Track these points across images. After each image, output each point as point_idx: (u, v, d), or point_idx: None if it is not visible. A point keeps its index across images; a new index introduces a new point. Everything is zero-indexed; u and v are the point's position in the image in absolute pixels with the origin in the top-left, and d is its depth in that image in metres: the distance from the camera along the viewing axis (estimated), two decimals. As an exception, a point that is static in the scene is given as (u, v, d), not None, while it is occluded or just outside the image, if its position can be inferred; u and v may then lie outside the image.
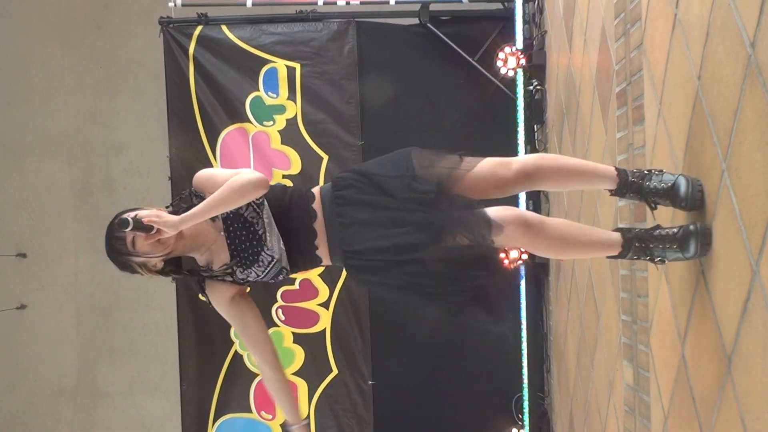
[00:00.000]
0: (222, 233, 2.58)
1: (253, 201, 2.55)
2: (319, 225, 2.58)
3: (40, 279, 7.34)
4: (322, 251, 2.61)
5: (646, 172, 2.45)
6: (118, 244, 2.51)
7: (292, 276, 2.88)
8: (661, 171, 2.43)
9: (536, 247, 2.57)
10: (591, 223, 3.90)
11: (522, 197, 5.35)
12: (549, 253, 2.63)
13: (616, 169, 2.51)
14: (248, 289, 2.75)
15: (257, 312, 2.71)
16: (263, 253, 2.55)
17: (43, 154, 7.30)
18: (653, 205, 2.42)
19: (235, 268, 2.58)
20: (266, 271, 2.58)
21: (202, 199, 2.57)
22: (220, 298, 2.65)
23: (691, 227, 2.29)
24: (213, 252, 2.62)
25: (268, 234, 2.55)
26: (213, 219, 2.57)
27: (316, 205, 2.59)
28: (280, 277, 2.65)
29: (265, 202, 2.57)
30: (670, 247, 2.34)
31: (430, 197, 2.46)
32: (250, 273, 2.59)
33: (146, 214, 2.45)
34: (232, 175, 2.52)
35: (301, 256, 2.62)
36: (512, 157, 2.61)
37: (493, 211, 2.49)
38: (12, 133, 7.29)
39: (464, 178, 2.50)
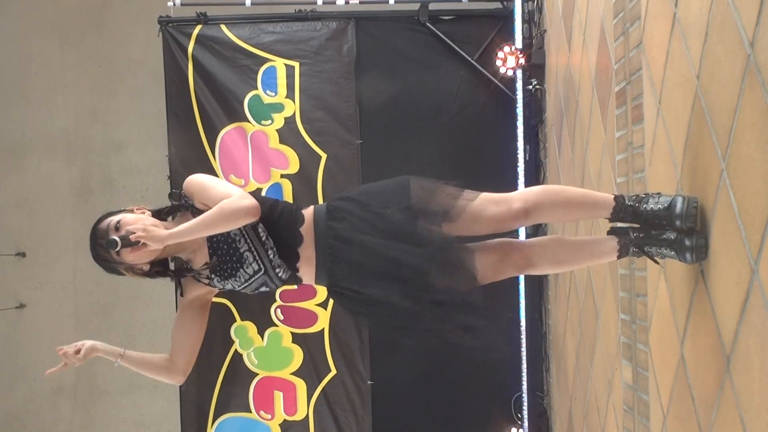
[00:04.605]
0: (206, 242, 2.58)
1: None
2: (306, 249, 2.56)
3: (39, 278, 7.33)
4: (305, 272, 2.60)
5: (643, 195, 2.45)
6: (103, 252, 2.52)
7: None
8: (658, 193, 2.43)
9: (532, 271, 2.67)
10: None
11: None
12: (547, 271, 2.80)
13: (615, 196, 2.51)
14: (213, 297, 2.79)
15: (203, 325, 2.75)
16: (241, 270, 2.55)
17: (42, 153, 7.28)
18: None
19: (213, 275, 2.60)
20: (244, 285, 2.59)
21: (190, 204, 2.57)
22: (186, 295, 2.68)
23: (687, 242, 2.30)
24: (195, 254, 2.64)
25: (249, 254, 2.54)
26: None
27: (306, 229, 2.57)
28: (264, 288, 2.63)
29: (260, 224, 2.55)
30: (668, 249, 2.37)
31: (432, 233, 2.45)
32: (227, 284, 2.61)
33: (133, 226, 2.44)
34: (224, 194, 2.48)
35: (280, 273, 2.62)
36: (511, 188, 2.65)
37: (484, 244, 2.57)
38: (11, 131, 7.27)
39: (463, 214, 2.48)
